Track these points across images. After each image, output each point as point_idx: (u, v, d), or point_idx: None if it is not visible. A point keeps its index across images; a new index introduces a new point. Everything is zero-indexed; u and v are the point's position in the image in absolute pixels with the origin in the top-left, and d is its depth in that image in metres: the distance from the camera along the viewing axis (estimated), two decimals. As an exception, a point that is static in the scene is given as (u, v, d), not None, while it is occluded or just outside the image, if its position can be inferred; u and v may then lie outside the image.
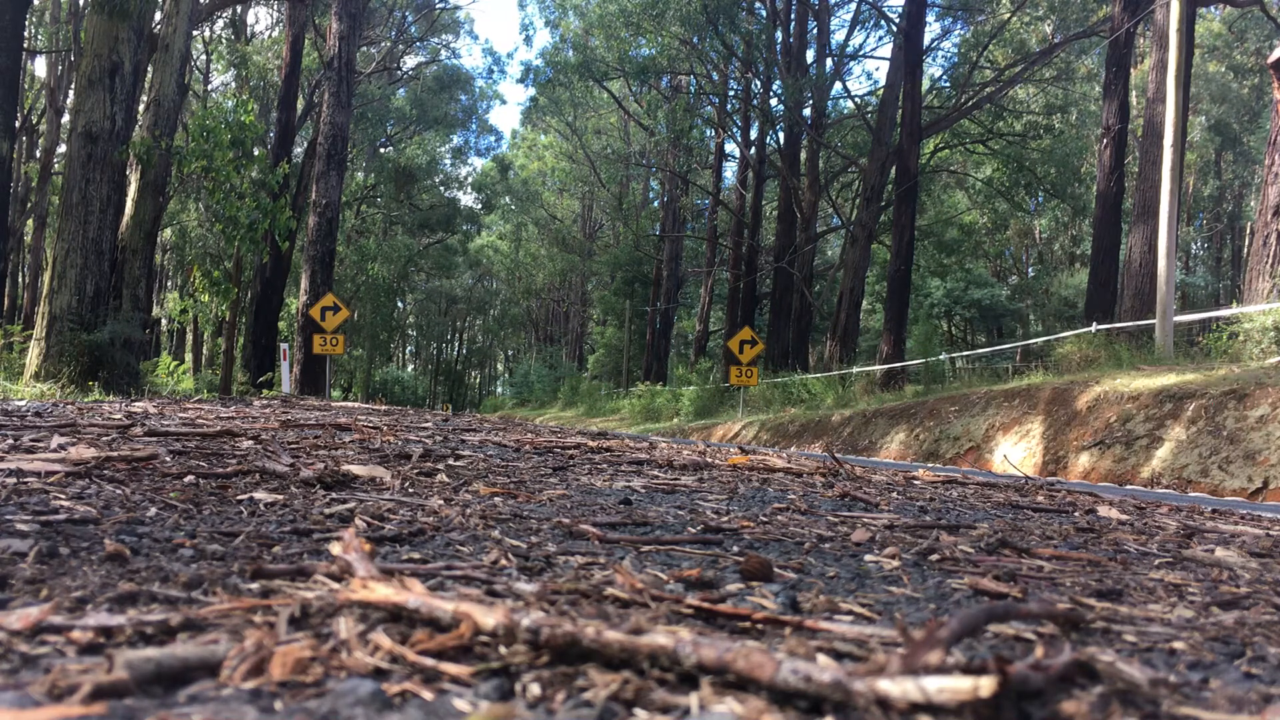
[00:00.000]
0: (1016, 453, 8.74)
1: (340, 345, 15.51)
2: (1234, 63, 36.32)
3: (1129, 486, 6.24)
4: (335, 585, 0.95)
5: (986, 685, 0.60)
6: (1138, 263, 15.02)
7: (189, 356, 37.49)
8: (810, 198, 23.47)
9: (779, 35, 24.68)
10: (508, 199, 42.46)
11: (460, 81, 37.80)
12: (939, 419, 10.53)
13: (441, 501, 1.67)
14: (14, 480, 1.53)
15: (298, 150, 27.30)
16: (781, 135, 25.49)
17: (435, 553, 1.23)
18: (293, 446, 2.40)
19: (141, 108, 10.84)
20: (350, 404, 9.23)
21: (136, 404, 4.46)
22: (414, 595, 0.83)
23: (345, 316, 15.64)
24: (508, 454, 2.71)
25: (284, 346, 17.13)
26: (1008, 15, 23.60)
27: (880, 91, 23.71)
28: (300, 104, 26.15)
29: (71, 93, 20.65)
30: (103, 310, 8.96)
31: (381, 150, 36.55)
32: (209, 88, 35.03)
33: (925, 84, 22.59)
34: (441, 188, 39.37)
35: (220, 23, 30.75)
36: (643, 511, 1.73)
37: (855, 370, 17.91)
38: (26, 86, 26.71)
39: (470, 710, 0.62)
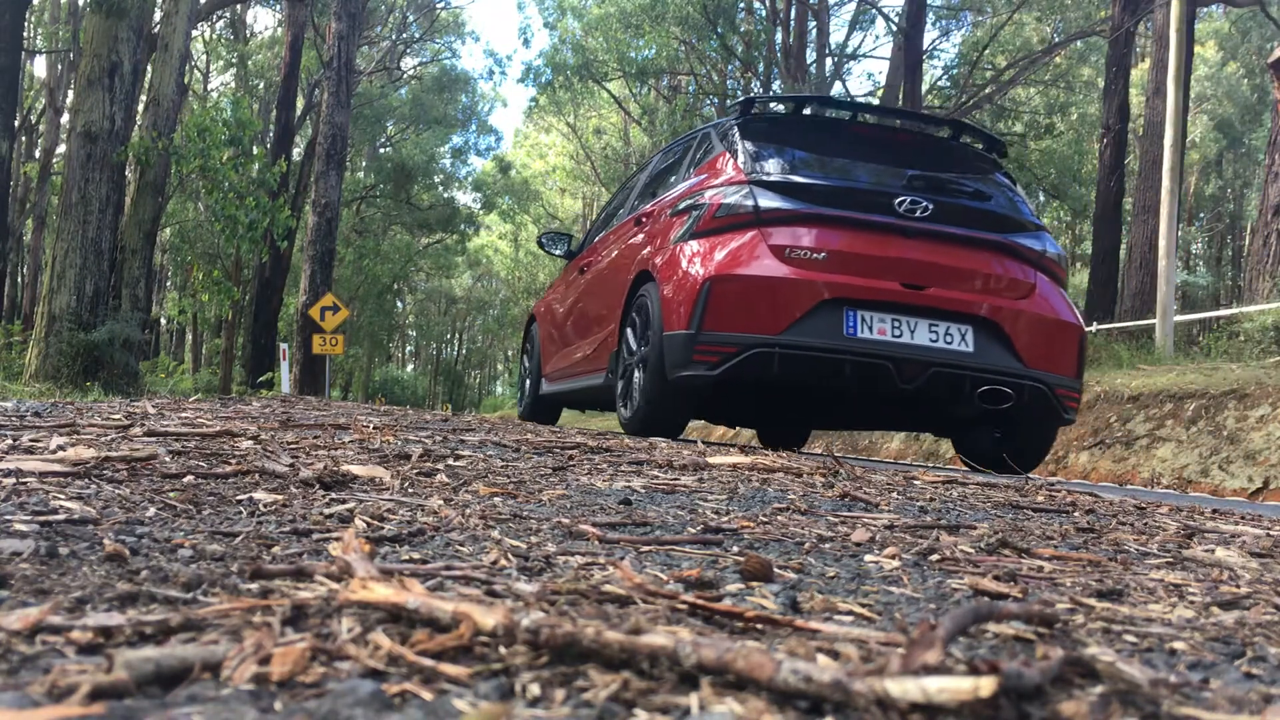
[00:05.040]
0: (1016, 452, 8.73)
1: (340, 345, 15.52)
2: (1238, 61, 36.36)
3: (1129, 486, 6.24)
4: (335, 585, 0.95)
5: (986, 685, 0.60)
6: (1138, 262, 15.03)
7: (188, 356, 37.47)
8: (810, 198, 23.42)
9: (779, 36, 24.68)
10: (507, 198, 42.48)
11: (460, 82, 37.79)
12: (939, 419, 10.52)
13: (441, 501, 1.66)
14: (13, 480, 1.52)
15: (297, 150, 27.28)
16: (781, 135, 25.46)
17: (435, 553, 1.23)
18: (292, 446, 2.40)
19: (141, 107, 10.83)
20: (349, 404, 9.23)
21: (136, 404, 4.45)
22: (413, 596, 0.83)
23: (345, 316, 15.64)
24: (507, 454, 2.71)
25: (283, 347, 17.13)
26: (1008, 16, 23.61)
27: (880, 92, 23.71)
28: (300, 104, 26.14)
29: (71, 93, 20.64)
30: (102, 310, 8.95)
31: (381, 150, 36.53)
32: (209, 87, 35.01)
33: (925, 84, 22.58)
34: (441, 188, 39.36)
35: (220, 23, 30.74)
36: (643, 511, 1.73)
37: (855, 370, 17.86)
38: (26, 86, 26.70)
39: (469, 710, 0.62)
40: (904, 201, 4.31)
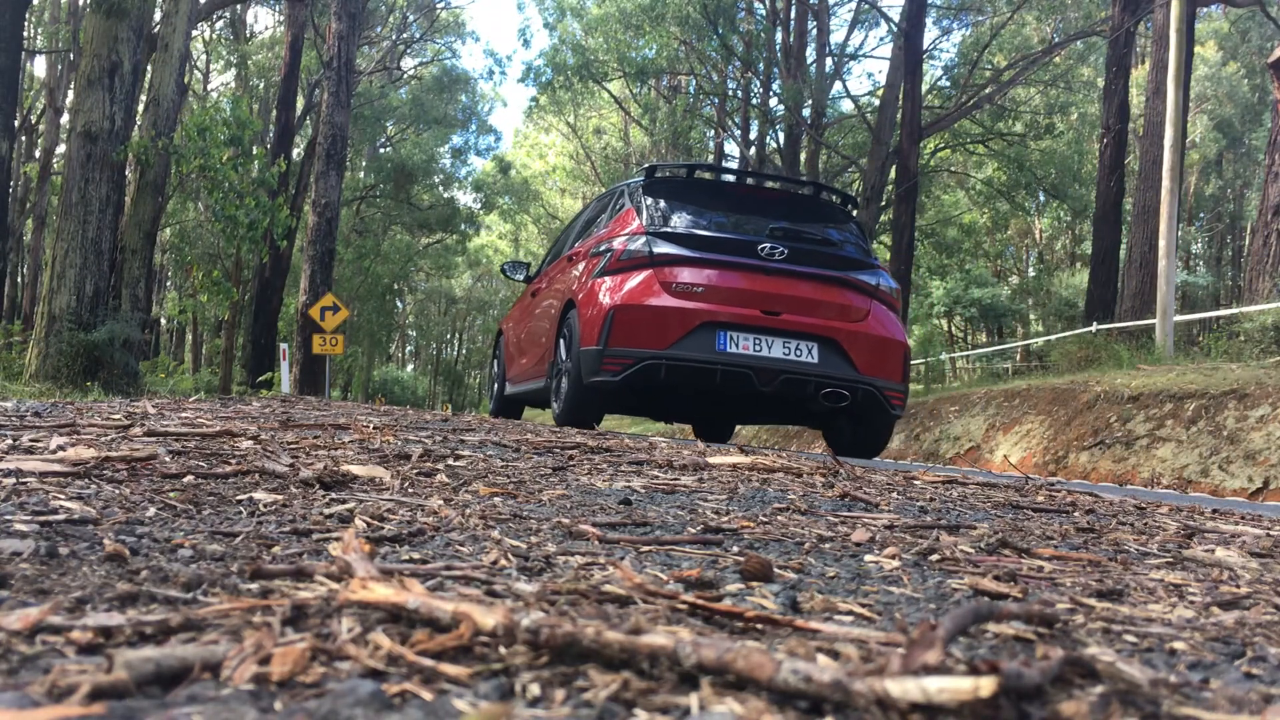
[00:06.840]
0: (1016, 453, 8.74)
1: (340, 345, 15.51)
2: (1239, 61, 36.37)
3: (1129, 486, 6.24)
4: (335, 585, 0.95)
5: (986, 685, 0.60)
6: (1138, 262, 15.01)
7: (188, 356, 37.45)
8: (810, 198, 23.40)
9: (778, 35, 24.67)
10: (507, 198, 42.46)
11: (460, 82, 37.76)
12: (939, 419, 10.53)
13: (441, 501, 1.67)
14: (13, 480, 1.52)
15: (297, 150, 27.26)
16: (781, 135, 25.49)
17: (435, 553, 1.23)
18: (292, 446, 2.40)
19: (141, 107, 10.82)
20: (349, 404, 9.24)
21: (136, 404, 4.45)
22: (413, 596, 0.83)
23: (345, 316, 15.63)
24: (507, 454, 2.71)
25: (283, 347, 17.13)
26: (1008, 15, 23.60)
27: (880, 92, 23.70)
28: (300, 104, 26.12)
29: (71, 93, 20.62)
30: (102, 310, 8.95)
31: (381, 150, 36.51)
32: (209, 87, 35.00)
33: (925, 84, 22.56)
34: (441, 188, 39.30)
35: (220, 23, 30.72)
36: (643, 511, 1.73)
37: (855, 370, 17.86)
38: (26, 86, 26.68)
39: (469, 710, 0.62)
40: (765, 247, 5.47)
